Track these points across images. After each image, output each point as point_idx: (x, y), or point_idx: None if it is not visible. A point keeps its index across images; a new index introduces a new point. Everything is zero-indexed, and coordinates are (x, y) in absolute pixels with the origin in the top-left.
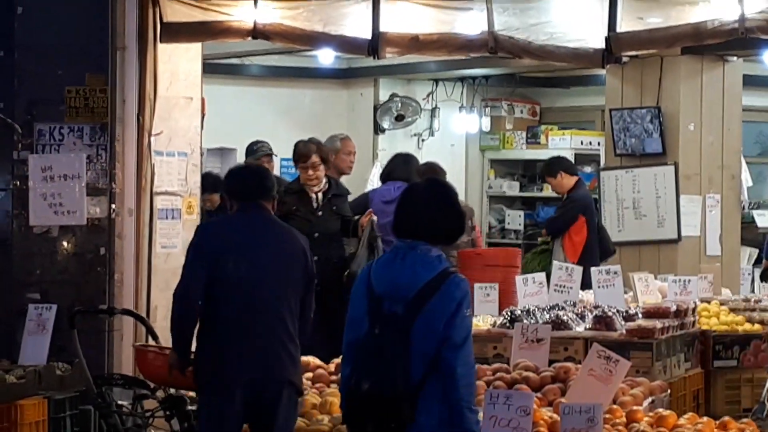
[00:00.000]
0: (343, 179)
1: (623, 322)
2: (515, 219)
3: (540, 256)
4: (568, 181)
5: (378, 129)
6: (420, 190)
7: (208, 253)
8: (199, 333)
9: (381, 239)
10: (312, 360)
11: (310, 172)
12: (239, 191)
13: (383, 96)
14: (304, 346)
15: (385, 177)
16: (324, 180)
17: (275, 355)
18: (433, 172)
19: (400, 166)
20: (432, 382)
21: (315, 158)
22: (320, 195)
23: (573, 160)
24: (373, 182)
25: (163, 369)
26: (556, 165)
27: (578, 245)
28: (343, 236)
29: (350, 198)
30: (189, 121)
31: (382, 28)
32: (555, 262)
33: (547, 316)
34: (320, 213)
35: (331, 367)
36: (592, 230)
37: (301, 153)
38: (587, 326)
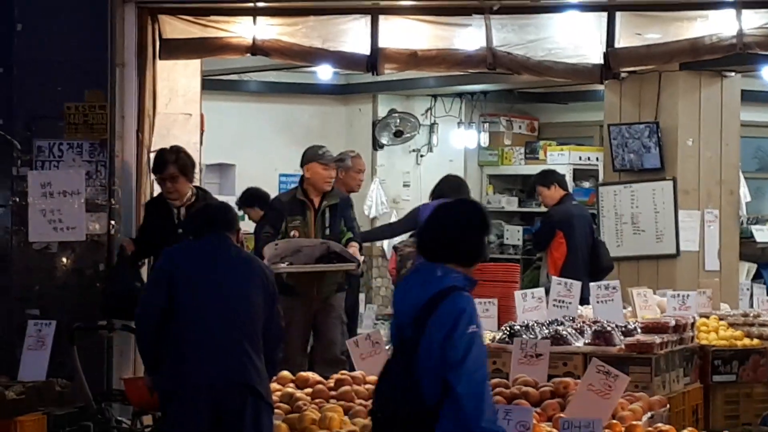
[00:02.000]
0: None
1: (622, 337)
2: (514, 234)
3: (533, 272)
4: (556, 194)
5: (377, 145)
6: (440, 208)
7: (170, 273)
8: (163, 348)
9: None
10: (311, 376)
11: (168, 185)
12: (204, 224)
13: (382, 112)
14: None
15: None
16: (190, 193)
17: (238, 362)
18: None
19: (450, 189)
20: (446, 404)
21: (172, 170)
22: (183, 210)
23: (572, 176)
24: (373, 198)
25: (147, 394)
26: (551, 176)
27: (558, 261)
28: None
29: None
30: (188, 137)
31: (381, 44)
32: (554, 278)
33: (546, 331)
34: (180, 231)
35: (331, 382)
36: (572, 246)
37: (156, 163)
38: (586, 341)
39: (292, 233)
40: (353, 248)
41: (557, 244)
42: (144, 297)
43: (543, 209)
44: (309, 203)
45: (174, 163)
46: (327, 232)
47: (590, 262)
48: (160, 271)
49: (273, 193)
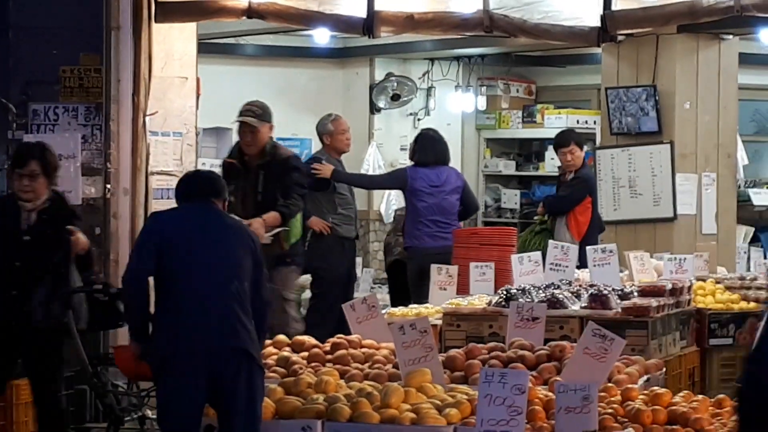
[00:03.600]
0: (343, 158)
1: (619, 301)
2: (511, 198)
3: (539, 235)
4: (582, 156)
5: (374, 108)
6: None
7: (159, 237)
8: (154, 314)
9: (426, 219)
10: (307, 339)
11: (25, 182)
12: (192, 191)
13: (379, 75)
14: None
15: (423, 159)
16: (46, 196)
17: (231, 325)
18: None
19: (437, 148)
20: None
21: (34, 166)
22: (33, 215)
23: None
24: (370, 162)
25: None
26: (579, 135)
27: (582, 225)
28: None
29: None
30: (184, 101)
31: (377, 7)
32: (551, 241)
33: (543, 295)
34: (27, 237)
35: (327, 346)
36: (596, 210)
37: (18, 156)
38: (583, 305)
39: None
40: (256, 224)
41: (583, 208)
42: (132, 261)
43: (540, 173)
44: (240, 165)
45: (38, 159)
46: (259, 198)
47: None
48: (147, 233)
49: None
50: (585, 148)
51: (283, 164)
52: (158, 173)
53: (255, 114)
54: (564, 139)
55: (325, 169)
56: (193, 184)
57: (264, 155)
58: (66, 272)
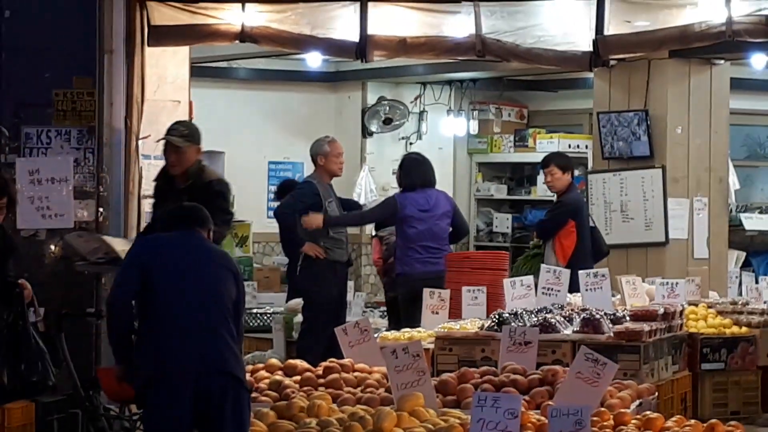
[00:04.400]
0: (333, 182)
1: (611, 325)
2: (503, 222)
3: (532, 260)
4: (567, 180)
5: (366, 132)
6: None
7: (143, 260)
8: (137, 337)
9: (417, 245)
10: (300, 363)
11: None
12: (178, 221)
13: (371, 99)
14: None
15: (410, 183)
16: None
17: (217, 349)
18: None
19: (422, 170)
20: None
21: (4, 201)
22: None
23: None
24: (362, 186)
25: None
26: (568, 160)
27: (567, 249)
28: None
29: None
30: None
31: (370, 32)
32: (543, 266)
33: (535, 319)
34: None
35: (319, 370)
36: (583, 234)
37: None
38: (575, 329)
39: None
40: None
41: (567, 232)
42: (116, 284)
43: (532, 197)
44: (167, 186)
45: (4, 188)
46: None
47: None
48: (132, 257)
49: (263, 182)
50: (576, 172)
51: (205, 189)
52: (150, 197)
53: (181, 134)
54: (544, 160)
55: (315, 220)
56: (177, 216)
57: (188, 178)
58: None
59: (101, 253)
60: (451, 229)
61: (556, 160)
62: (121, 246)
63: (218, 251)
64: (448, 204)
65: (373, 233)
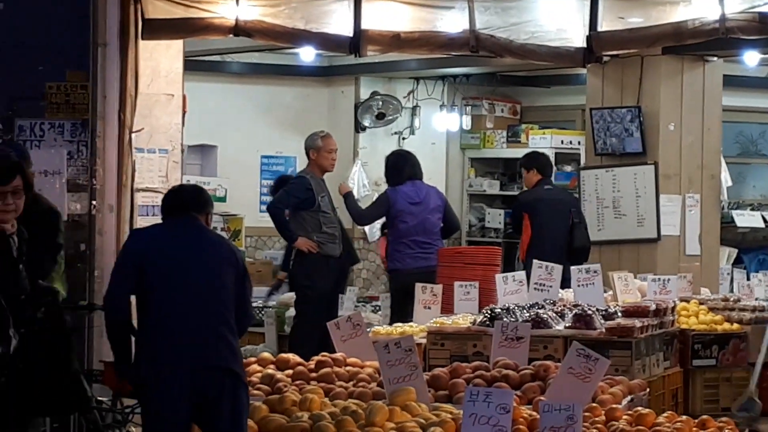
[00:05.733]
0: (325, 177)
1: (603, 321)
2: (495, 217)
3: None
4: (534, 178)
5: (359, 127)
6: None
7: (138, 256)
8: (136, 333)
9: (408, 240)
10: (292, 357)
11: (9, 201)
12: (174, 205)
13: (364, 94)
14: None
15: (399, 177)
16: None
17: (212, 344)
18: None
19: (408, 164)
20: None
21: (18, 181)
22: (15, 239)
23: (554, 159)
24: (354, 180)
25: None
26: (534, 160)
27: (524, 243)
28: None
29: None
30: (170, 118)
31: (364, 26)
32: (535, 261)
33: (527, 315)
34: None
35: (311, 364)
36: (536, 229)
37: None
38: (567, 325)
39: None
40: None
41: (525, 227)
42: (111, 281)
43: None
44: None
45: (20, 173)
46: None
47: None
48: (126, 253)
49: (255, 176)
50: (568, 168)
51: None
52: (143, 190)
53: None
54: (523, 162)
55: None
56: (176, 198)
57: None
58: None
59: None
60: (442, 224)
61: (522, 159)
62: None
63: (216, 240)
64: (439, 199)
65: (378, 234)
